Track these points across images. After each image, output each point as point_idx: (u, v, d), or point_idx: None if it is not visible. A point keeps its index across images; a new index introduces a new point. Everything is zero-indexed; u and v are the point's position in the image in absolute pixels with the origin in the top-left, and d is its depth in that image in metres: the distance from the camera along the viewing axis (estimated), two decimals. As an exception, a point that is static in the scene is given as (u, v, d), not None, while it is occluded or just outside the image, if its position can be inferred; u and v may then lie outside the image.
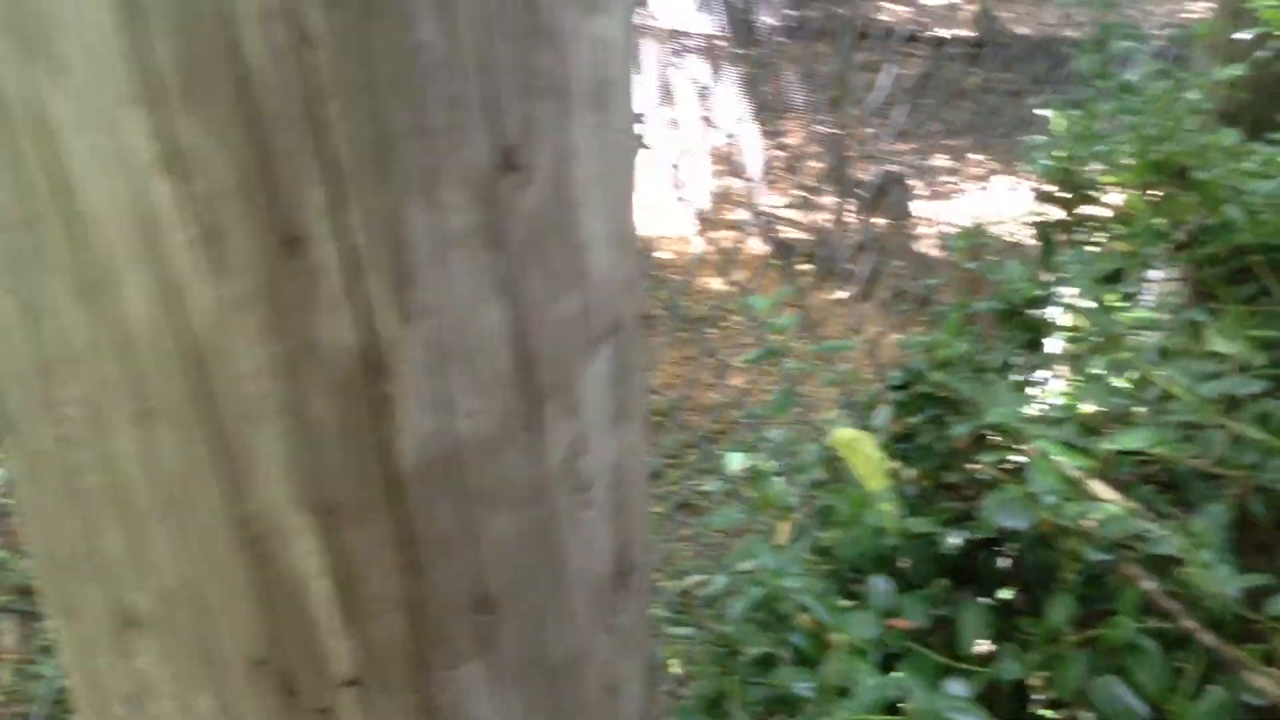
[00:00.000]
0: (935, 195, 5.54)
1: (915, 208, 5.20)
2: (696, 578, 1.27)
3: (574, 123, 0.41)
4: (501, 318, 0.42)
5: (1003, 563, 1.43)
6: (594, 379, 0.46)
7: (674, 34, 5.78)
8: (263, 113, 0.35)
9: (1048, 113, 1.75)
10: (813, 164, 5.95)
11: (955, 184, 5.57)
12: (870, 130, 6.15)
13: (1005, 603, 1.40)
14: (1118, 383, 1.40)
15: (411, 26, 0.35)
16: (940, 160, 5.89)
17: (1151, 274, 1.93)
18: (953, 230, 1.76)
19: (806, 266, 5.10)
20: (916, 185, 5.55)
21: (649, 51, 6.18)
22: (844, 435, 1.30)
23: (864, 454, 1.28)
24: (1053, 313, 1.64)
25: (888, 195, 5.09)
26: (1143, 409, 1.35)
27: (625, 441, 0.50)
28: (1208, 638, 1.08)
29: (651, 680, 0.57)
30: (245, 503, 0.42)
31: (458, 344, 0.41)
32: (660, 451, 3.72)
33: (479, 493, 0.44)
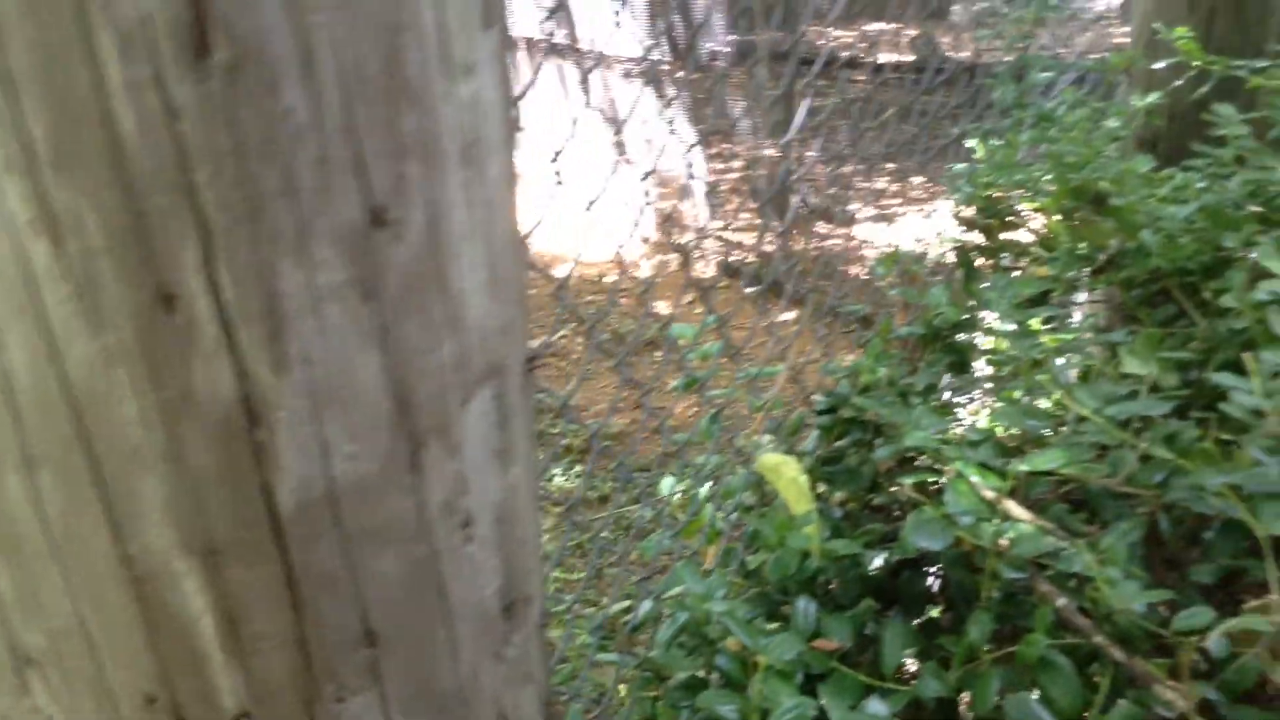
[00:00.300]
0: (880, 217, 5.62)
1: (859, 230, 5.28)
2: (621, 604, 1.29)
3: (445, 180, 0.44)
4: (378, 365, 0.44)
5: (931, 582, 1.47)
6: (474, 421, 0.49)
7: (616, 59, 5.83)
8: (134, 178, 0.37)
9: (970, 141, 1.80)
10: (757, 187, 6.02)
11: (898, 207, 5.66)
12: (813, 154, 6.24)
13: (932, 621, 1.43)
14: (1034, 405, 1.44)
15: (277, 95, 0.37)
16: (883, 183, 5.98)
17: (1080, 297, 1.98)
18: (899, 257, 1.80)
19: (752, 289, 5.16)
20: (860, 208, 5.63)
21: (594, 78, 6.23)
22: (769, 460, 1.33)
23: (789, 478, 1.31)
24: (976, 337, 1.68)
25: (830, 217, 5.16)
26: (1059, 430, 1.39)
27: (510, 480, 0.52)
28: (1117, 653, 1.11)
29: (545, 708, 0.59)
30: (130, 545, 0.43)
31: (334, 391, 0.43)
32: (609, 476, 3.74)
33: (361, 532, 0.46)
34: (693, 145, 5.46)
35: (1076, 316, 2.01)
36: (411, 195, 0.42)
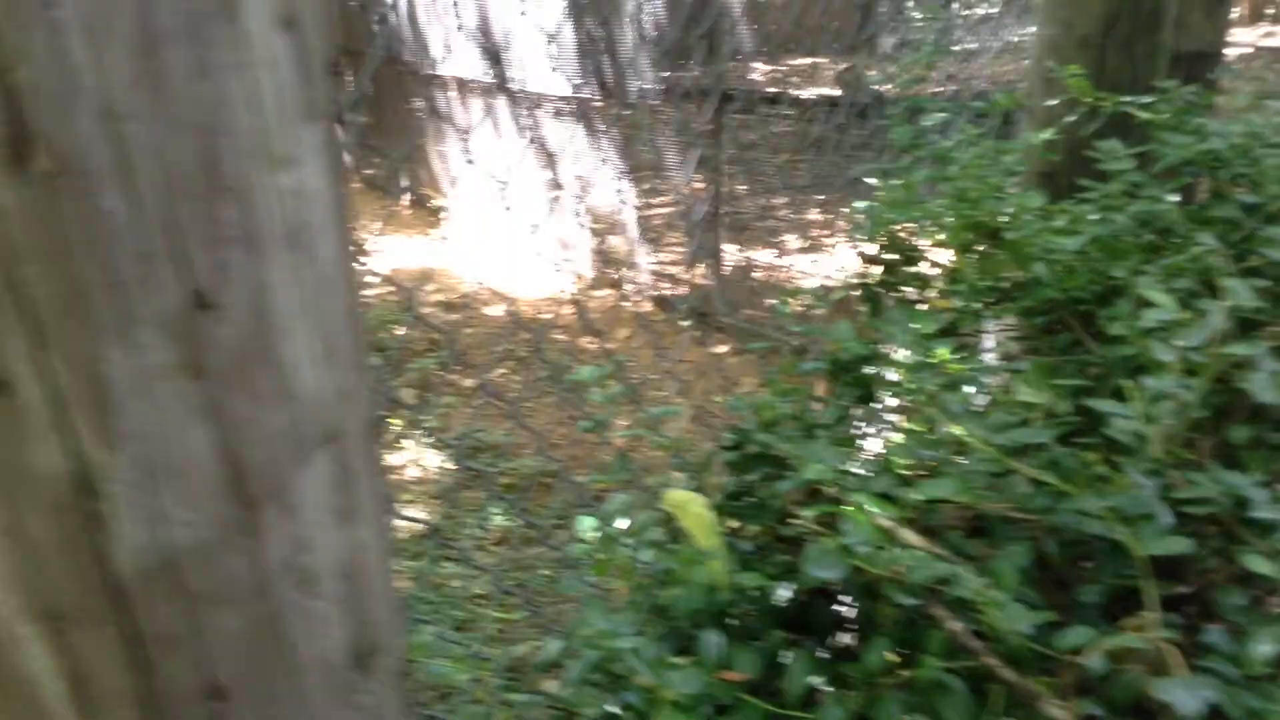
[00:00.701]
0: (810, 249, 5.72)
1: (789, 261, 5.37)
2: (526, 645, 1.31)
3: (269, 264, 0.47)
4: (209, 437, 0.47)
5: (846, 611, 1.51)
6: (312, 484, 0.51)
7: (545, 98, 5.89)
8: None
9: (870, 180, 1.86)
10: (687, 221, 6.09)
11: (827, 239, 5.76)
12: (743, 187, 6.31)
13: (844, 650, 1.47)
14: (931, 435, 1.49)
15: (97, 199, 0.40)
16: (813, 214, 6.08)
17: (993, 326, 2.05)
18: (829, 282, 1.85)
19: (686, 323, 5.21)
20: (789, 239, 5.72)
21: (522, 115, 6.28)
22: (676, 497, 1.36)
23: (695, 514, 1.34)
24: (883, 369, 1.73)
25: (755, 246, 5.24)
26: (958, 459, 1.43)
27: (356, 537, 0.55)
28: (1008, 673, 1.16)
29: (407, 753, 0.61)
30: (-24, 613, 0.45)
31: (167, 463, 0.45)
32: (551, 513, 3.75)
33: (201, 593, 0.48)
34: (625, 180, 5.53)
35: (990, 342, 2.08)
36: (234, 280, 0.45)
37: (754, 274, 5.22)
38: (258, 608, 0.51)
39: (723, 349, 4.79)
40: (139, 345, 0.43)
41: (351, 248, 0.51)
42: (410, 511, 3.54)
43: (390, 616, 0.59)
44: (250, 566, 0.50)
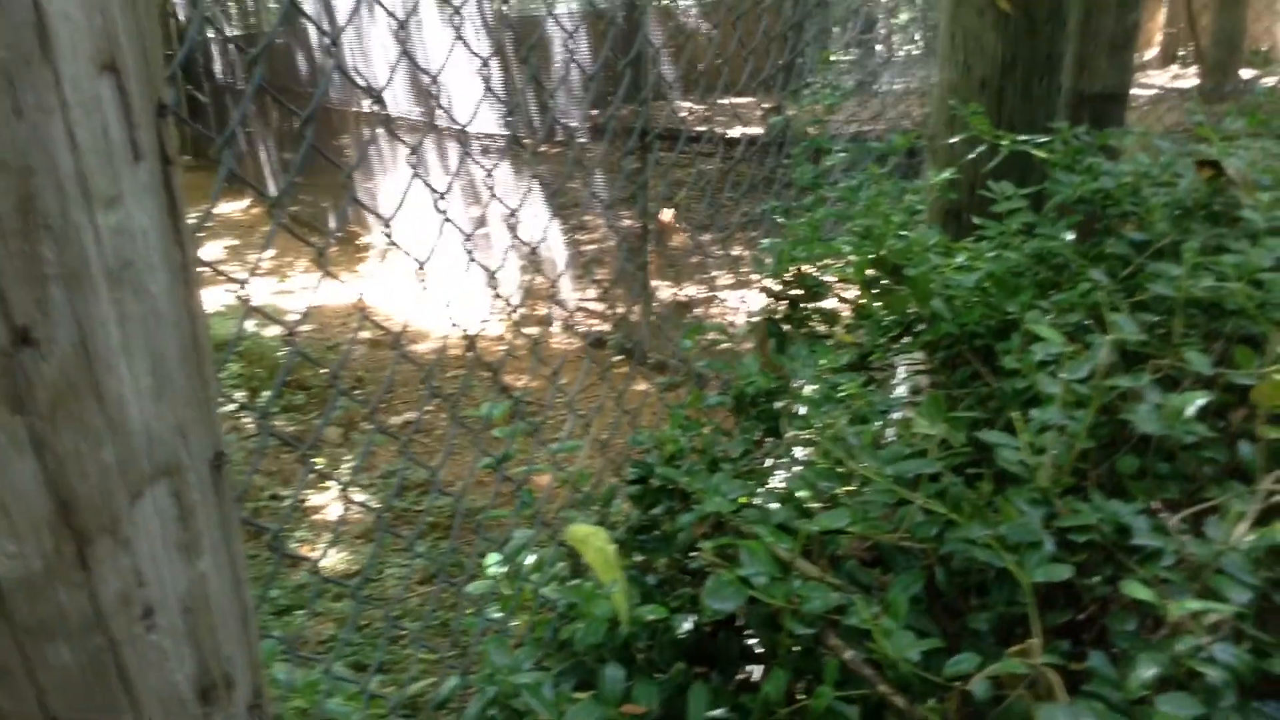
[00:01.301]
0: (739, 284, 5.78)
1: (722, 296, 5.42)
2: (423, 682, 1.29)
3: (91, 301, 0.47)
4: (33, 471, 0.47)
5: (747, 643, 1.52)
6: (147, 517, 0.52)
7: (476, 135, 5.91)
8: None
9: (775, 216, 1.90)
10: (616, 258, 6.14)
11: (755, 276, 5.82)
12: (675, 224, 6.37)
13: (748, 682, 1.48)
14: (834, 468, 1.51)
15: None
16: (739, 250, 6.16)
17: (905, 361, 2.09)
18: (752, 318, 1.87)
19: (617, 358, 5.24)
20: (720, 274, 5.78)
21: (451, 152, 6.29)
22: (578, 531, 1.37)
23: (596, 548, 1.35)
24: (791, 403, 1.76)
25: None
26: (857, 490, 1.46)
27: (199, 570, 0.55)
28: (899, 700, 1.18)
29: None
30: None
31: (-8, 496, 0.46)
32: (475, 551, 3.72)
33: (31, 626, 0.48)
34: (554, 217, 5.55)
35: (902, 373, 2.12)
36: (55, 316, 0.46)
37: (683, 310, 5.26)
38: (91, 641, 0.50)
39: (644, 386, 4.81)
40: (-42, 385, 0.43)
41: (189, 283, 0.52)
42: (331, 552, 3.50)
43: (241, 649, 0.59)
44: (83, 600, 0.50)
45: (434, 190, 0.95)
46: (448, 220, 0.95)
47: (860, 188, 2.04)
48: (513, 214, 1.18)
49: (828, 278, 1.92)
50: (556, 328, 5.66)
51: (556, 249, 5.81)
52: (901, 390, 1.96)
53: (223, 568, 0.57)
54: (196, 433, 0.54)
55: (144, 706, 0.53)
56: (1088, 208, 1.98)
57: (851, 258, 1.90)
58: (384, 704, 1.10)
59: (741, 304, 1.97)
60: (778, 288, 1.85)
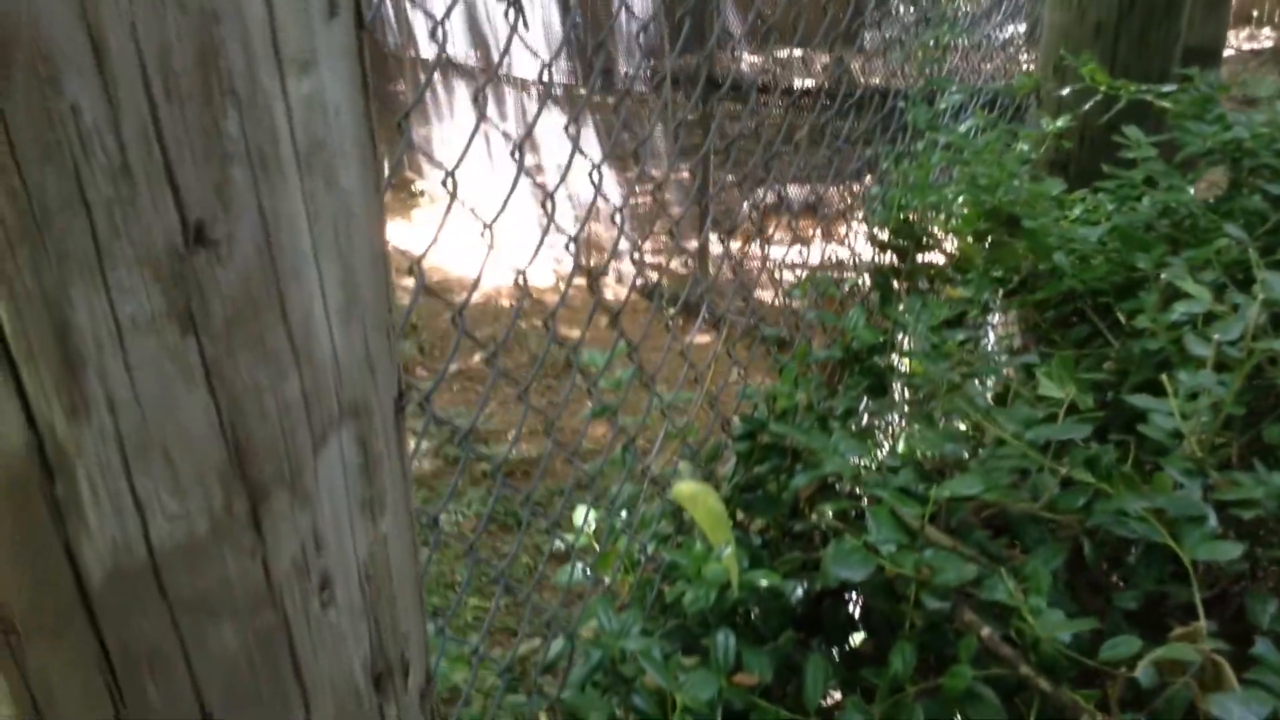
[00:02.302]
0: (797, 240, 5.65)
1: (778, 253, 5.29)
2: (533, 643, 1.22)
3: (281, 191, 0.38)
4: (204, 406, 0.37)
5: (852, 611, 1.43)
6: (331, 468, 0.42)
7: (533, 83, 5.80)
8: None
9: (884, 163, 1.79)
10: (676, 209, 6.02)
11: (815, 230, 5.69)
12: (731, 177, 6.28)
13: (854, 651, 1.39)
14: (953, 428, 1.41)
15: (58, 90, 0.31)
16: (800, 205, 6.01)
17: (994, 319, 1.98)
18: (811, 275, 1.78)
19: (672, 310, 5.13)
20: (778, 232, 5.65)
21: (509, 101, 6.18)
22: (686, 489, 1.28)
23: (706, 507, 1.26)
24: (894, 359, 1.66)
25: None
26: (977, 454, 1.36)
27: (379, 532, 0.46)
28: (1044, 683, 1.08)
29: (432, 785, 0.53)
30: (-91, 623, 0.36)
31: (151, 439, 0.36)
32: (532, 500, 3.67)
33: (190, 601, 0.39)
34: (612, 167, 5.44)
35: (990, 339, 2.01)
36: (238, 209, 0.36)
37: (740, 265, 5.15)
38: (260, 620, 0.42)
39: (706, 339, 4.71)
40: (117, 288, 0.34)
41: (379, 178, 0.42)
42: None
43: (417, 626, 0.50)
44: (253, 569, 0.41)
45: (507, 137, 0.85)
46: (522, 172, 0.85)
47: (968, 135, 1.92)
48: (568, 164, 1.08)
49: (935, 229, 1.80)
50: (612, 279, 5.57)
51: (613, 200, 5.70)
52: (992, 349, 1.86)
53: (403, 530, 0.48)
54: (383, 367, 0.44)
55: (314, 699, 0.44)
56: (1215, 160, 1.85)
57: (961, 209, 1.79)
58: (492, 666, 1.02)
59: (800, 258, 1.85)
60: (884, 238, 1.74)
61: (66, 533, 0.37)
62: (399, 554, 0.47)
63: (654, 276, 5.52)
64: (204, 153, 0.35)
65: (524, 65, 5.78)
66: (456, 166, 0.79)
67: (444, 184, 0.81)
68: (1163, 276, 1.50)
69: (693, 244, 5.34)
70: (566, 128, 0.91)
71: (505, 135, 5.80)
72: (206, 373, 0.37)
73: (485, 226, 0.84)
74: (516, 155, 0.85)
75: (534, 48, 5.44)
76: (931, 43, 1.81)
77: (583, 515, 1.43)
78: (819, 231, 2.00)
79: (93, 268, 0.34)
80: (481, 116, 0.84)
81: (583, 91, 5.67)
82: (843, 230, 2.01)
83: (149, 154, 0.34)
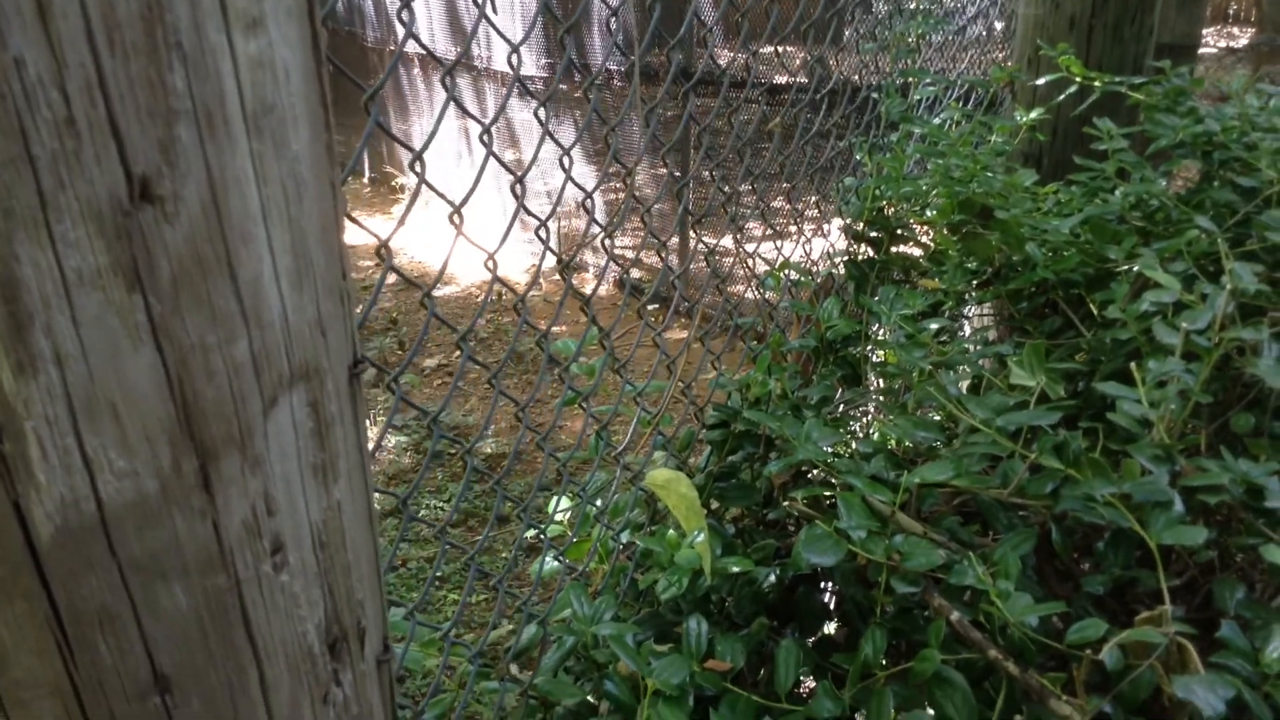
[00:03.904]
0: (775, 235, 5.67)
1: (754, 248, 5.30)
2: (501, 629, 1.22)
3: (229, 151, 0.38)
4: (151, 364, 0.37)
5: (825, 601, 1.44)
6: (282, 431, 0.42)
7: (509, 76, 5.79)
8: None
9: (858, 155, 1.79)
10: (656, 206, 6.04)
11: (791, 224, 5.71)
12: (709, 173, 6.25)
13: (827, 639, 1.40)
14: (925, 417, 1.42)
15: (3, 41, 0.31)
16: (778, 202, 6.05)
17: (969, 310, 1.99)
18: (789, 270, 1.78)
19: (653, 307, 5.15)
20: (755, 226, 5.67)
21: (487, 94, 6.17)
22: (659, 476, 1.28)
23: (679, 494, 1.26)
24: (868, 349, 1.67)
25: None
26: (950, 442, 1.37)
27: (333, 498, 0.46)
28: (1012, 667, 1.09)
29: (388, 754, 0.53)
30: None
31: (98, 395, 0.36)
32: (508, 496, 3.68)
33: (140, 561, 0.39)
34: (592, 162, 5.44)
35: (966, 330, 2.02)
36: (184, 166, 0.36)
37: (717, 259, 5.17)
38: (211, 581, 0.42)
39: (682, 334, 4.71)
40: (62, 241, 0.34)
41: (330, 146, 0.42)
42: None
43: (373, 594, 0.50)
44: (203, 530, 0.41)
45: (480, 121, 0.85)
46: (490, 155, 0.85)
47: (943, 126, 1.93)
48: (546, 158, 1.09)
49: (910, 219, 1.81)
50: (590, 274, 5.57)
51: (596, 195, 5.71)
52: (967, 341, 1.87)
53: (357, 496, 0.47)
54: (335, 331, 0.44)
55: (267, 662, 0.44)
56: (1186, 152, 1.87)
57: (936, 199, 1.80)
58: (464, 651, 1.02)
59: (776, 252, 1.86)
60: (858, 229, 1.75)
61: (15, 490, 0.36)
62: (354, 522, 0.47)
63: (631, 272, 5.52)
64: (149, 108, 0.35)
65: (503, 59, 5.76)
66: (424, 148, 0.79)
67: (411, 167, 0.81)
68: (1133, 267, 1.51)
69: (672, 240, 5.34)
70: (536, 111, 0.91)
71: (499, 125, 5.78)
72: (154, 330, 0.37)
73: (455, 209, 0.84)
74: (485, 139, 0.85)
75: (507, 36, 5.42)
76: (908, 37, 1.82)
77: (555, 504, 1.43)
78: (794, 224, 2.00)
79: (38, 221, 0.34)
80: (450, 97, 0.84)
81: (562, 86, 5.67)
82: (815, 224, 2.02)
83: (93, 107, 0.34)
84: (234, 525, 0.42)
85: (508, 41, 0.89)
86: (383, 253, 0.78)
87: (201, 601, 0.42)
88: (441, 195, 0.84)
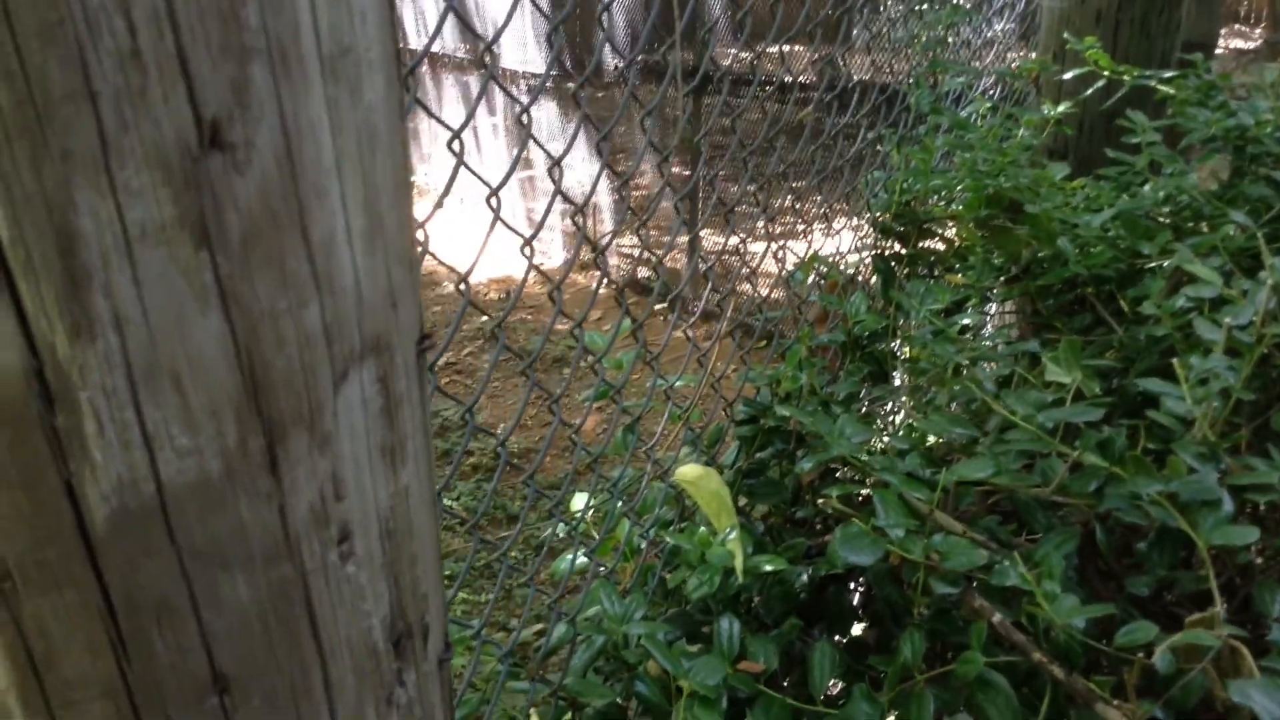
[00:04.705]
0: (784, 234, 5.64)
1: (762, 247, 5.27)
2: (534, 628, 1.19)
3: (304, 95, 0.34)
4: (218, 331, 0.34)
5: (855, 598, 1.41)
6: (352, 408, 0.39)
7: (521, 74, 5.77)
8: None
9: (884, 148, 1.76)
10: (664, 204, 6.00)
11: (801, 223, 5.68)
12: (719, 171, 6.25)
13: (858, 640, 1.37)
14: (958, 413, 1.39)
15: (62, -40, 0.28)
16: (787, 200, 6.01)
17: (991, 308, 1.96)
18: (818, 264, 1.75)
19: (660, 305, 5.12)
20: (764, 225, 5.64)
21: (495, 92, 6.15)
22: (689, 472, 1.25)
23: (710, 491, 1.23)
24: (895, 345, 1.64)
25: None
26: (984, 439, 1.34)
27: (401, 483, 0.42)
28: (1057, 670, 1.06)
29: (447, 758, 0.49)
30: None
31: (160, 365, 0.33)
32: (519, 495, 3.65)
33: (201, 549, 0.36)
34: (600, 160, 5.42)
35: (988, 328, 1.99)
36: (258, 110, 0.33)
37: (729, 258, 5.13)
38: (276, 571, 0.38)
39: (693, 331, 4.69)
40: (124, 190, 0.31)
41: (403, 100, 0.39)
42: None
43: (436, 587, 0.47)
44: (268, 515, 0.37)
45: (520, 102, 0.82)
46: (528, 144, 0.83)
47: (970, 119, 1.90)
48: (558, 157, 1.06)
49: (937, 214, 1.78)
50: (605, 270, 5.54)
51: (603, 193, 5.67)
52: (991, 338, 1.84)
53: (423, 482, 0.44)
54: (406, 301, 0.41)
55: (332, 659, 0.41)
56: (1219, 146, 1.83)
57: (963, 193, 1.77)
58: (494, 651, 0.99)
59: (788, 251, 1.83)
60: (886, 222, 1.72)
61: (69, 469, 0.33)
62: (420, 509, 0.44)
63: (644, 271, 5.50)
64: (221, 43, 0.32)
65: (512, 56, 5.74)
66: (463, 127, 0.76)
67: (449, 146, 0.78)
68: (1169, 262, 1.48)
69: (679, 239, 5.31)
70: (527, 105, 0.88)
71: (511, 124, 5.77)
72: (221, 293, 0.34)
73: (493, 191, 0.81)
74: (524, 121, 0.82)
75: (519, 36, 5.40)
76: (936, 30, 1.79)
77: (582, 501, 1.40)
78: (820, 221, 1.97)
79: (98, 166, 0.30)
80: (492, 78, 0.81)
81: (570, 85, 5.63)
82: (841, 220, 1.99)
83: (161, 39, 0.30)
84: (301, 510, 0.39)
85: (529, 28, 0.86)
86: (417, 237, 0.75)
87: (265, 594, 0.38)
88: (479, 176, 0.81)
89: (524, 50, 5.64)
